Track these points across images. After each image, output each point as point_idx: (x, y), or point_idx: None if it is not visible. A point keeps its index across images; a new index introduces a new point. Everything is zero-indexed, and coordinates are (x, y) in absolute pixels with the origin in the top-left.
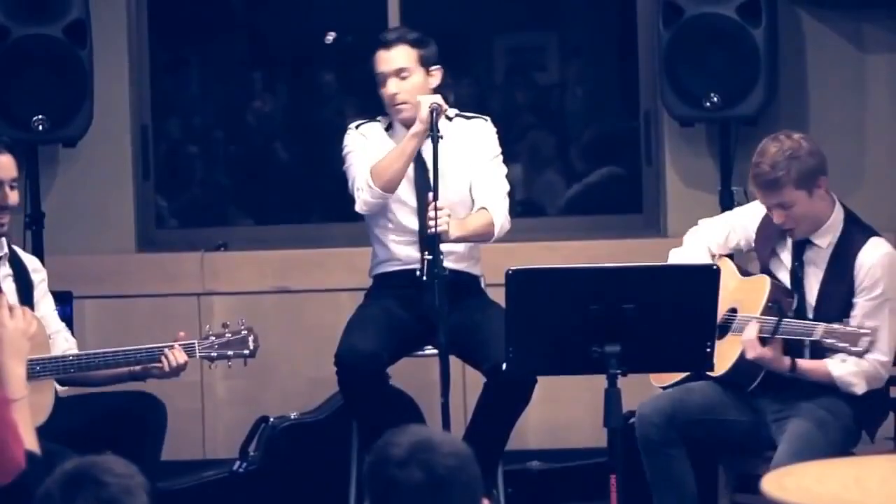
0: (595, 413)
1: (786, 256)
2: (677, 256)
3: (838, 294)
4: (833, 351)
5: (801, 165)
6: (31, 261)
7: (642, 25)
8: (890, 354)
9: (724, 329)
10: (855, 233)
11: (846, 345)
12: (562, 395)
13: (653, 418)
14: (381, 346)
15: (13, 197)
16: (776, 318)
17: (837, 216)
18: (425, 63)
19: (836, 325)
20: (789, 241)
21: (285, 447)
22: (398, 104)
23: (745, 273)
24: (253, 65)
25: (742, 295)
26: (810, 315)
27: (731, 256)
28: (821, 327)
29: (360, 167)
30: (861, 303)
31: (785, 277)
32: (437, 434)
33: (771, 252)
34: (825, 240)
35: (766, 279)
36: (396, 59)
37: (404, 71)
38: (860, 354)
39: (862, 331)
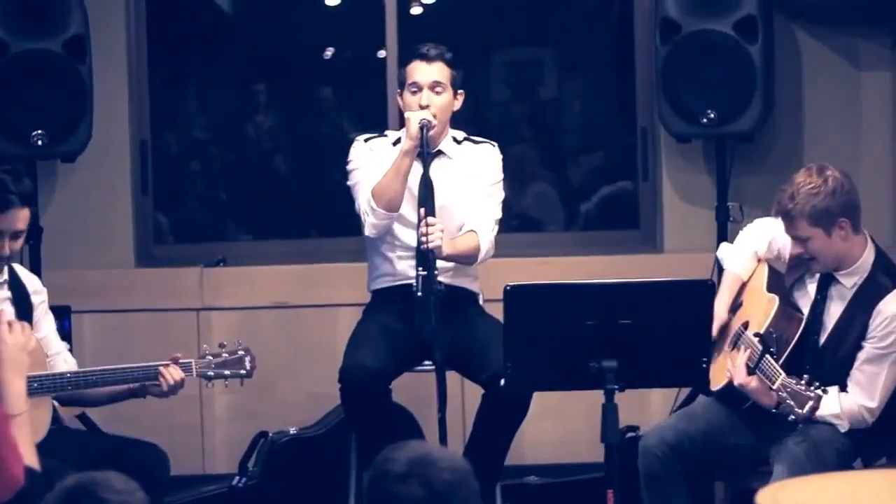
0: (593, 428)
1: (812, 287)
2: (725, 250)
3: (851, 336)
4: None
5: (819, 204)
6: (31, 282)
7: (639, 41)
8: (879, 402)
9: (734, 343)
10: (881, 279)
11: (793, 403)
12: (559, 411)
13: (657, 451)
14: (386, 362)
15: (11, 247)
16: (760, 352)
17: (867, 259)
18: (454, 85)
19: (792, 381)
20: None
21: (284, 462)
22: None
23: (770, 288)
24: (251, 80)
25: (756, 311)
26: (821, 347)
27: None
28: (780, 378)
29: (364, 190)
30: (868, 348)
31: (805, 306)
32: (436, 449)
33: (799, 278)
34: (850, 280)
35: (776, 302)
36: (435, 73)
37: (439, 86)
38: (804, 418)
39: (810, 394)
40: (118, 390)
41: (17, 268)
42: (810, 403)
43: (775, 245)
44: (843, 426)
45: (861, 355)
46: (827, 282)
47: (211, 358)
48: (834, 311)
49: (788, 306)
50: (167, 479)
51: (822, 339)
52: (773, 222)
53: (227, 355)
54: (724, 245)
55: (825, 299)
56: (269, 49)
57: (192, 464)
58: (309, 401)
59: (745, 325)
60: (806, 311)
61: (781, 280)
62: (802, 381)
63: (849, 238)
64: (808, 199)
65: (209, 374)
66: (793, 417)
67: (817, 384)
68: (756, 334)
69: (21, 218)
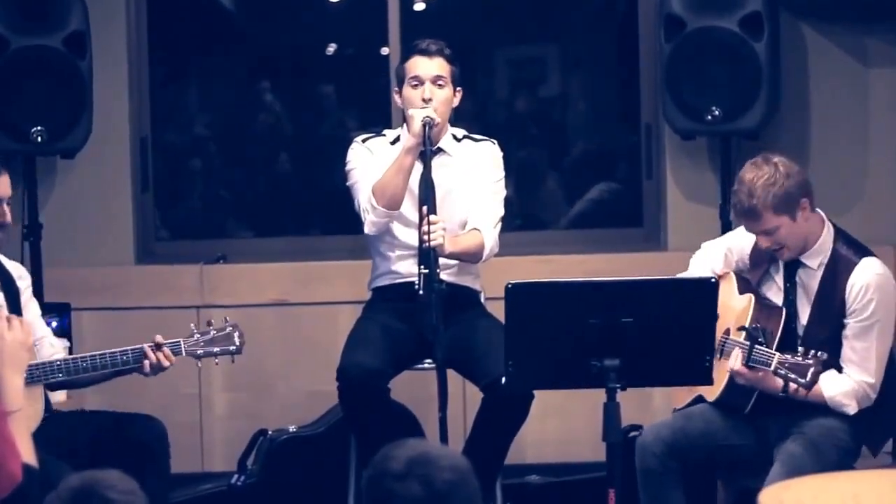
0: (594, 427)
1: (779, 278)
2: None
3: (830, 316)
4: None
5: (778, 191)
6: (15, 268)
7: (644, 38)
8: (878, 376)
9: (720, 351)
10: (845, 253)
11: (795, 376)
12: (561, 409)
13: (653, 448)
14: (384, 361)
15: (9, 215)
16: (749, 345)
17: (827, 237)
18: (454, 81)
19: (787, 356)
20: (781, 263)
21: (284, 460)
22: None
23: (742, 291)
24: (253, 77)
25: (734, 316)
26: (801, 335)
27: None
28: (775, 358)
29: (364, 188)
30: (851, 324)
31: (778, 298)
32: (435, 448)
33: (764, 272)
34: (816, 261)
35: (752, 299)
36: (437, 67)
37: (441, 79)
38: (808, 386)
39: (809, 361)
40: (105, 371)
41: (0, 257)
42: (812, 369)
43: (732, 257)
44: (852, 407)
45: (847, 333)
46: (793, 268)
47: (199, 336)
48: (807, 295)
49: (764, 301)
50: (167, 451)
51: (804, 325)
52: (722, 239)
53: (215, 332)
54: (678, 275)
55: (795, 287)
56: (270, 45)
57: (191, 462)
58: (308, 399)
59: (727, 333)
60: (779, 302)
61: (748, 282)
62: (798, 354)
63: (809, 218)
64: (767, 190)
65: (198, 352)
66: (796, 386)
67: (813, 351)
68: (741, 328)
69: (5, 183)
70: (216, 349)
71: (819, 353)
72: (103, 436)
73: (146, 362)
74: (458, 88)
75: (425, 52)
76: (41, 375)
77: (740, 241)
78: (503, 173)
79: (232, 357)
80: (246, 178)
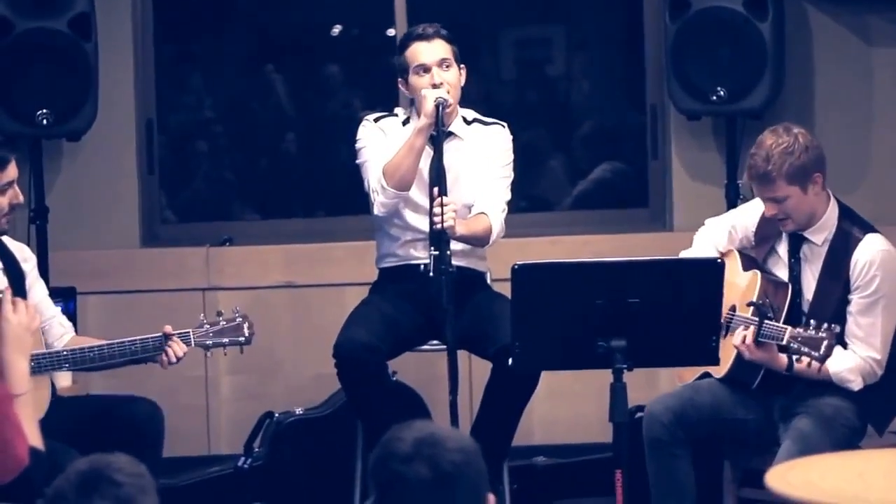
0: (601, 408)
1: (783, 252)
2: (686, 255)
3: (834, 291)
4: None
5: (795, 161)
6: (19, 250)
7: (649, 19)
8: (884, 352)
9: (726, 328)
10: (850, 229)
11: (808, 349)
12: (567, 390)
13: (661, 418)
14: (380, 338)
15: (22, 195)
16: (759, 320)
17: (832, 213)
18: (457, 60)
19: (800, 330)
20: (786, 238)
21: (290, 443)
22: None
23: (747, 268)
24: (258, 58)
25: (739, 293)
26: (806, 311)
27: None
28: (787, 332)
29: (374, 169)
30: (856, 300)
31: (783, 274)
32: (442, 429)
33: (770, 249)
34: (820, 236)
35: (758, 276)
36: (440, 50)
37: (446, 61)
38: (822, 359)
39: (822, 334)
40: (116, 361)
41: (4, 238)
42: (825, 342)
43: (736, 235)
44: (857, 383)
45: (851, 309)
46: (797, 243)
47: (208, 326)
48: (811, 271)
49: (770, 276)
50: (161, 433)
51: (809, 299)
52: (726, 216)
53: (224, 323)
54: (682, 252)
55: (799, 262)
56: (276, 26)
57: (197, 445)
58: (315, 381)
59: (733, 309)
60: (784, 278)
61: (754, 259)
62: (811, 328)
63: (819, 193)
64: (784, 158)
65: (207, 343)
66: (808, 360)
67: (826, 325)
68: (750, 303)
69: (13, 167)
70: (225, 340)
71: (832, 325)
72: (97, 418)
73: (164, 356)
74: (462, 66)
75: (424, 37)
76: (48, 365)
77: (744, 218)
78: (512, 157)
79: (241, 348)
80: (252, 160)
